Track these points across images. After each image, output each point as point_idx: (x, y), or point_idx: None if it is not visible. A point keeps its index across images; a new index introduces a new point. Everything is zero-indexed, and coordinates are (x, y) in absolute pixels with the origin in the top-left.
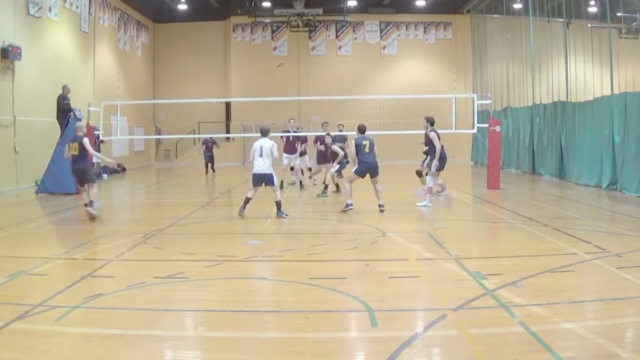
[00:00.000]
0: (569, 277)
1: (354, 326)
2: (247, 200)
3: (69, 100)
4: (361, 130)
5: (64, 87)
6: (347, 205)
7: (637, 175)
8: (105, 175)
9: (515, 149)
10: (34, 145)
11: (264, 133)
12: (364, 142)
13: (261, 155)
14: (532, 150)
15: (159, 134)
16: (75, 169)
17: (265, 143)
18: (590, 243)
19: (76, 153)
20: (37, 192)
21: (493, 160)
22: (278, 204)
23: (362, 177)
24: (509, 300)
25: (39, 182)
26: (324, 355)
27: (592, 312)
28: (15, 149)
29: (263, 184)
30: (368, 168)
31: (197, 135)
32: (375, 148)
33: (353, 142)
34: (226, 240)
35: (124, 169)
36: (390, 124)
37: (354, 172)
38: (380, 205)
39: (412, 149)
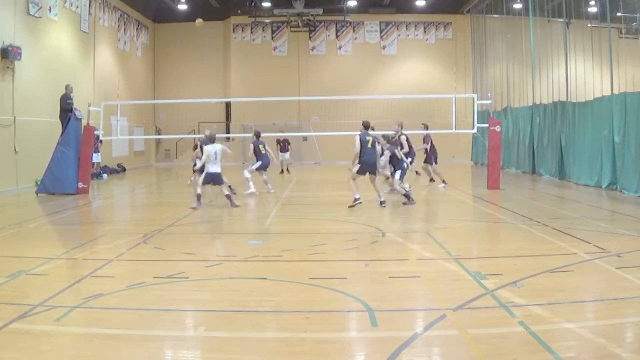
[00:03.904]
0: (569, 277)
1: (354, 326)
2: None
3: (71, 99)
4: (365, 126)
5: (67, 87)
6: (355, 200)
7: (637, 175)
8: (105, 175)
9: (515, 149)
10: (34, 145)
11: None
12: (367, 139)
13: (216, 159)
14: (532, 150)
15: (159, 134)
16: None
17: (218, 147)
18: (590, 243)
19: None
20: (37, 192)
21: (493, 160)
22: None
23: (364, 175)
24: (509, 300)
25: (39, 182)
26: (324, 355)
27: (592, 312)
28: (15, 149)
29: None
30: (367, 166)
31: (197, 135)
32: (378, 146)
33: (357, 137)
34: (226, 240)
35: (124, 169)
36: (390, 124)
37: (356, 172)
38: (381, 202)
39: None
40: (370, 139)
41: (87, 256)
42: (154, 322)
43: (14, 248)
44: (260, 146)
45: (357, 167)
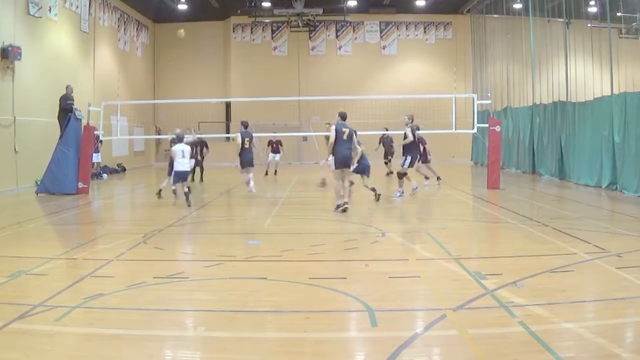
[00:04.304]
0: (569, 277)
1: (354, 326)
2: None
3: (72, 100)
4: (342, 117)
5: (67, 87)
6: (338, 207)
7: (637, 175)
8: (105, 175)
9: (515, 149)
10: (34, 145)
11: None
12: (344, 130)
13: (183, 157)
14: (532, 150)
15: (159, 134)
16: None
17: (186, 147)
18: (590, 243)
19: None
20: (37, 192)
21: (493, 160)
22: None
23: (342, 170)
24: (509, 300)
25: (39, 182)
26: (324, 355)
27: (592, 312)
28: (15, 149)
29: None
30: (343, 159)
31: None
32: (355, 139)
33: (333, 127)
34: (226, 240)
35: (124, 169)
36: (390, 124)
37: (334, 170)
38: (344, 203)
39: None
40: (347, 130)
41: (87, 256)
42: (154, 322)
43: (14, 248)
44: (246, 139)
45: (332, 164)
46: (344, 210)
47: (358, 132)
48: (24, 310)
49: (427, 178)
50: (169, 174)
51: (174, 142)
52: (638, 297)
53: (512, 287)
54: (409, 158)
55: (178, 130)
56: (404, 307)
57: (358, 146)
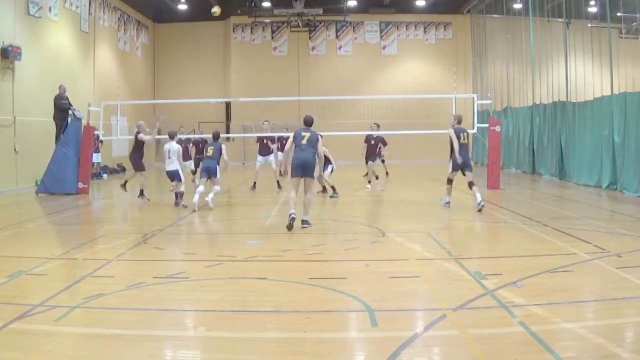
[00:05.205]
0: (569, 277)
1: (354, 326)
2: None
3: (66, 99)
4: (305, 122)
5: (60, 87)
6: (290, 215)
7: (637, 175)
8: (105, 175)
9: (515, 149)
10: (34, 145)
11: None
12: (303, 134)
13: (169, 157)
14: (532, 150)
15: (159, 134)
16: None
17: (172, 146)
18: (590, 243)
19: None
20: (37, 192)
21: (493, 160)
22: (179, 194)
23: (300, 177)
24: (509, 300)
25: (39, 182)
26: (324, 355)
27: (592, 312)
28: (15, 149)
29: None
30: (299, 165)
31: (196, 135)
32: (320, 145)
33: (292, 134)
34: (226, 240)
35: (124, 169)
36: (390, 124)
37: (291, 176)
38: (303, 221)
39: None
40: (307, 134)
41: (87, 256)
42: (154, 322)
43: (14, 248)
44: (210, 148)
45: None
46: (289, 227)
47: (357, 133)
48: (24, 310)
49: (377, 177)
50: (137, 169)
51: (141, 128)
52: (638, 297)
53: (512, 287)
54: (450, 162)
55: (142, 122)
56: (404, 307)
57: (325, 150)
